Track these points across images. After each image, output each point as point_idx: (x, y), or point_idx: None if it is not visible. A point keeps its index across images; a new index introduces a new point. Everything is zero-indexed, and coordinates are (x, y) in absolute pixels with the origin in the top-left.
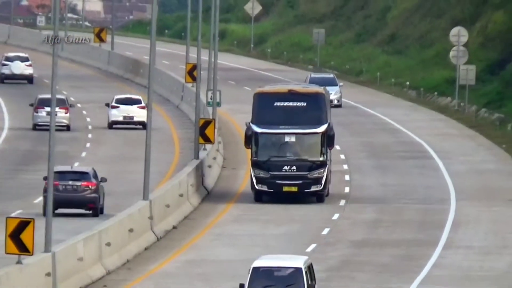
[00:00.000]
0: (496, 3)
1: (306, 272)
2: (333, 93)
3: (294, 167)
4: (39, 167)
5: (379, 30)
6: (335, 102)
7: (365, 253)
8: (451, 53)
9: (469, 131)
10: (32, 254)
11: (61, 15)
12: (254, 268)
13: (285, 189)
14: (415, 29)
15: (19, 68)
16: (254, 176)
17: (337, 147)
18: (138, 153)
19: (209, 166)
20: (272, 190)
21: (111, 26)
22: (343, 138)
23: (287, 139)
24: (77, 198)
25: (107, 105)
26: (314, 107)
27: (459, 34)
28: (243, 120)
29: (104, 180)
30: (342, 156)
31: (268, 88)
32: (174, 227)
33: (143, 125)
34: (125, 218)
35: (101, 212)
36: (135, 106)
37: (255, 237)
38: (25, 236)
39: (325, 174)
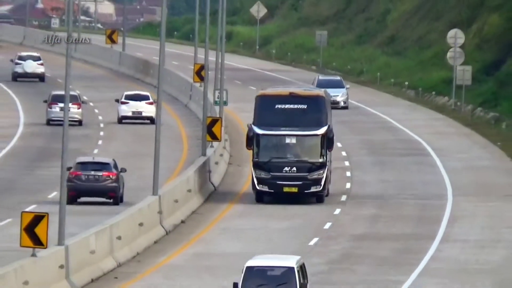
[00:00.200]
0: (492, 6)
1: (298, 272)
2: (340, 95)
3: (295, 168)
4: (53, 164)
5: (379, 32)
6: (342, 103)
7: (365, 247)
8: (448, 54)
9: (465, 129)
10: (46, 247)
11: (74, 18)
12: (247, 267)
13: (286, 189)
14: (414, 31)
15: (31, 66)
16: (255, 177)
17: (338, 144)
18: (148, 150)
19: (216, 163)
20: (272, 191)
21: (122, 28)
22: (345, 136)
23: (287, 140)
24: (99, 188)
25: (117, 101)
26: (315, 110)
27: (456, 36)
28: (249, 119)
29: (124, 170)
30: (344, 153)
31: (270, 91)
32: (182, 222)
33: (151, 120)
34: (135, 213)
35: (121, 200)
36: (143, 102)
37: (259, 231)
38: (39, 230)
39: (324, 175)
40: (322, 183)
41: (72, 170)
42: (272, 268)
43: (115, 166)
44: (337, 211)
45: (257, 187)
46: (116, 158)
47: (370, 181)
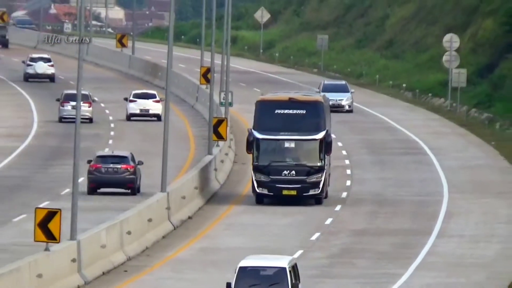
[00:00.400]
0: (486, 12)
1: (290, 272)
2: (345, 99)
3: (293, 172)
4: (65, 162)
5: (378, 36)
6: (347, 107)
7: (365, 242)
8: (444, 58)
9: (461, 129)
10: (59, 242)
11: (86, 23)
12: (240, 267)
13: (285, 192)
14: (411, 35)
15: (42, 68)
16: (255, 180)
17: (339, 143)
18: (156, 149)
19: (222, 161)
20: (272, 194)
21: (132, 33)
22: (345, 136)
23: (286, 145)
24: (117, 179)
25: (126, 99)
26: (313, 115)
27: (451, 40)
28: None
29: (141, 163)
30: (344, 152)
31: (270, 96)
32: (189, 217)
33: (158, 117)
34: (144, 209)
35: (138, 191)
36: (150, 100)
37: (263, 227)
38: (52, 225)
39: (323, 178)
40: (321, 186)
41: (92, 163)
42: (264, 268)
43: (133, 159)
44: (338, 207)
45: (257, 190)
46: None
47: (369, 179)
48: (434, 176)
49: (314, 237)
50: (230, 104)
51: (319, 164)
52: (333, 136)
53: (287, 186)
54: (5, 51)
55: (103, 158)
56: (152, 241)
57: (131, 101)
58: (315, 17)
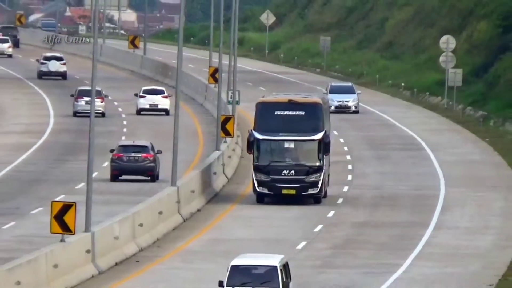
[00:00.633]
0: (481, 14)
1: (281, 270)
2: (351, 100)
3: (293, 171)
4: (80, 158)
5: (378, 38)
6: (353, 108)
7: (366, 233)
8: (441, 58)
9: (457, 126)
10: (74, 234)
11: (100, 25)
12: (232, 266)
13: (284, 191)
14: (410, 37)
15: (54, 66)
16: (255, 179)
17: (341, 140)
18: (167, 145)
19: (229, 157)
20: (272, 193)
21: (143, 34)
22: (347, 132)
23: (286, 145)
24: (138, 167)
25: (136, 95)
26: (312, 116)
27: (448, 42)
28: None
29: (160, 152)
30: (346, 148)
31: (270, 98)
32: (198, 210)
33: (166, 111)
34: (155, 202)
35: (157, 178)
36: (159, 96)
37: (268, 219)
38: (68, 218)
39: (321, 178)
40: (319, 185)
41: (115, 152)
42: (256, 267)
43: (152, 149)
44: (340, 200)
45: (258, 189)
46: None
47: (370, 173)
48: (431, 170)
49: (317, 229)
50: (237, 102)
51: (317, 164)
52: (335, 132)
53: (287, 186)
54: (20, 51)
55: (125, 148)
56: (163, 232)
57: (141, 96)
58: (318, 20)
